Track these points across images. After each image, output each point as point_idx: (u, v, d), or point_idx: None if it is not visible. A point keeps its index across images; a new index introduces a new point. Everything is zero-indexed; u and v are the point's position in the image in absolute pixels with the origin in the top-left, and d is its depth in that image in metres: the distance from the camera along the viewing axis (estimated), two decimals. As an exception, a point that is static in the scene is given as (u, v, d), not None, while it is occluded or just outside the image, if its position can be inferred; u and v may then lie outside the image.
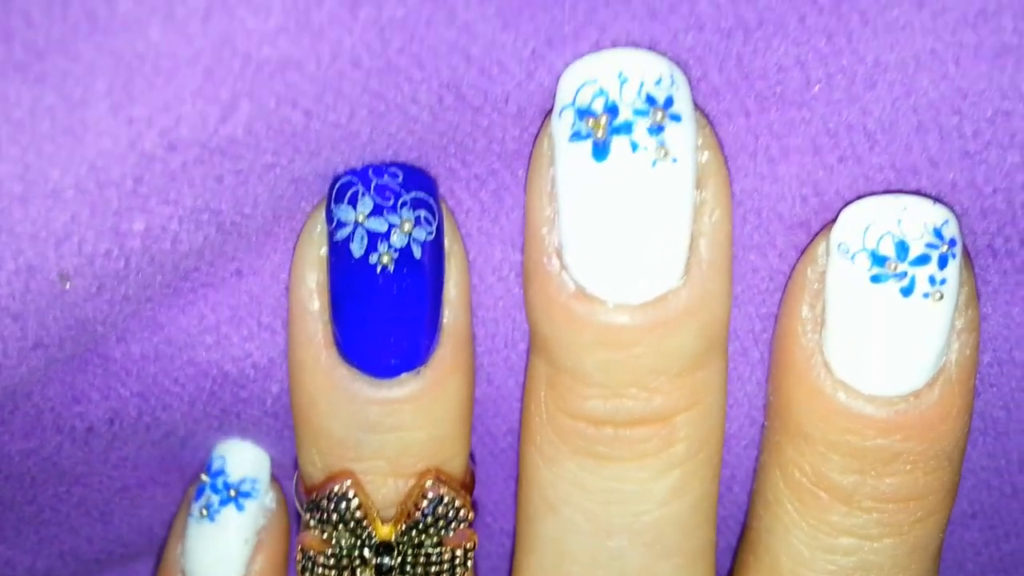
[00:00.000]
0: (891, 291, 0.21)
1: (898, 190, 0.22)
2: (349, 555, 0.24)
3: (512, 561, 0.26)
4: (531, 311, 0.23)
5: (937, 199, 0.22)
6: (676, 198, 0.21)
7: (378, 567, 0.24)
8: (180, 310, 0.24)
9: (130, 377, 0.25)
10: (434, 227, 0.22)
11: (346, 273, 0.22)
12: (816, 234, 0.23)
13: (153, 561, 0.31)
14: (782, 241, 0.24)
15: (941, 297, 0.21)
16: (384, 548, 0.24)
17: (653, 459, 0.23)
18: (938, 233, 0.21)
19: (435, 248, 0.23)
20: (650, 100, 0.20)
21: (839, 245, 0.22)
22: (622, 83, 0.20)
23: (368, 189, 0.22)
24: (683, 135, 0.20)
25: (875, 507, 0.23)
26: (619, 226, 0.21)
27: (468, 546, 0.25)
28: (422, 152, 0.22)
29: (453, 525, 0.24)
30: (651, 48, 0.20)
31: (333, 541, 0.24)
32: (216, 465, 0.28)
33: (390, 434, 0.23)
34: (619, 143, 0.20)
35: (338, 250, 0.22)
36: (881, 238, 0.21)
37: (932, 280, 0.21)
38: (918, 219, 0.21)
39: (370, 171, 0.22)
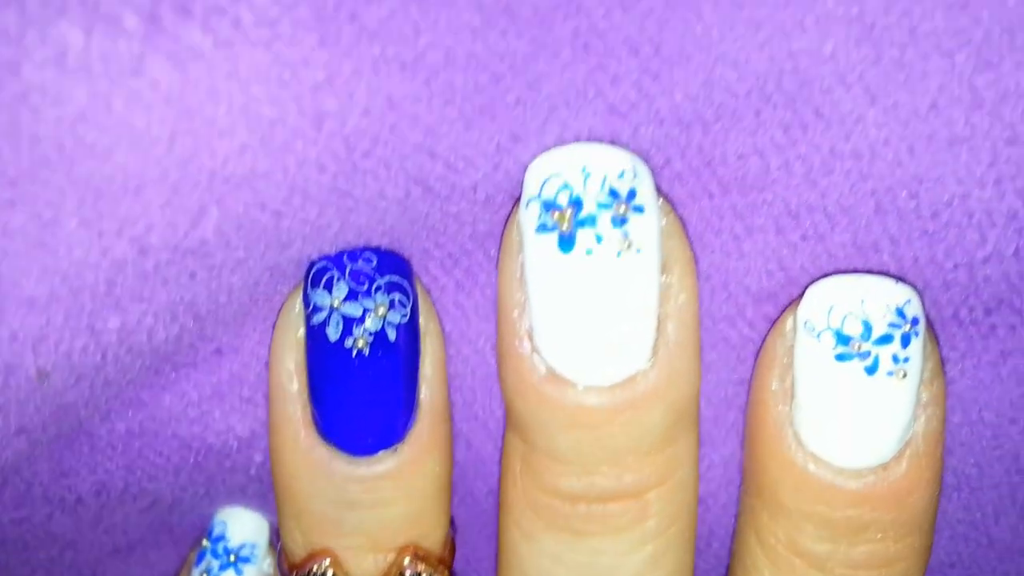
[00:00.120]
0: (856, 370, 0.22)
1: (861, 265, 0.23)
2: (331, 628, 0.25)
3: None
4: (505, 391, 0.23)
5: (899, 277, 0.22)
6: (642, 286, 0.21)
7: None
8: (162, 389, 0.25)
9: (115, 452, 0.26)
10: (408, 309, 0.23)
11: (323, 356, 0.23)
12: (784, 306, 0.24)
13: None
14: (751, 312, 0.24)
15: (905, 375, 0.21)
16: (365, 622, 0.24)
17: (627, 534, 0.23)
18: (901, 312, 0.21)
19: (410, 329, 0.23)
20: (613, 193, 0.20)
21: (805, 323, 0.22)
22: (586, 177, 0.20)
23: (343, 274, 0.22)
24: (647, 225, 0.21)
25: (848, 574, 0.23)
26: (587, 314, 0.21)
27: (448, 618, 0.25)
28: (394, 238, 0.23)
29: (432, 601, 0.24)
30: (613, 141, 0.21)
31: (315, 614, 0.25)
32: (217, 531, 0.28)
33: (369, 511, 0.24)
34: (584, 235, 0.20)
35: (315, 334, 0.23)
36: (845, 317, 0.22)
37: (896, 359, 0.21)
38: (881, 299, 0.21)
39: (345, 256, 0.23)
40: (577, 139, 0.21)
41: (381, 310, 0.23)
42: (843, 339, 0.22)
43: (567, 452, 0.23)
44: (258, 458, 0.27)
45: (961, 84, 0.19)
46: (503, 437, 0.26)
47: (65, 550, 0.29)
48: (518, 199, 0.22)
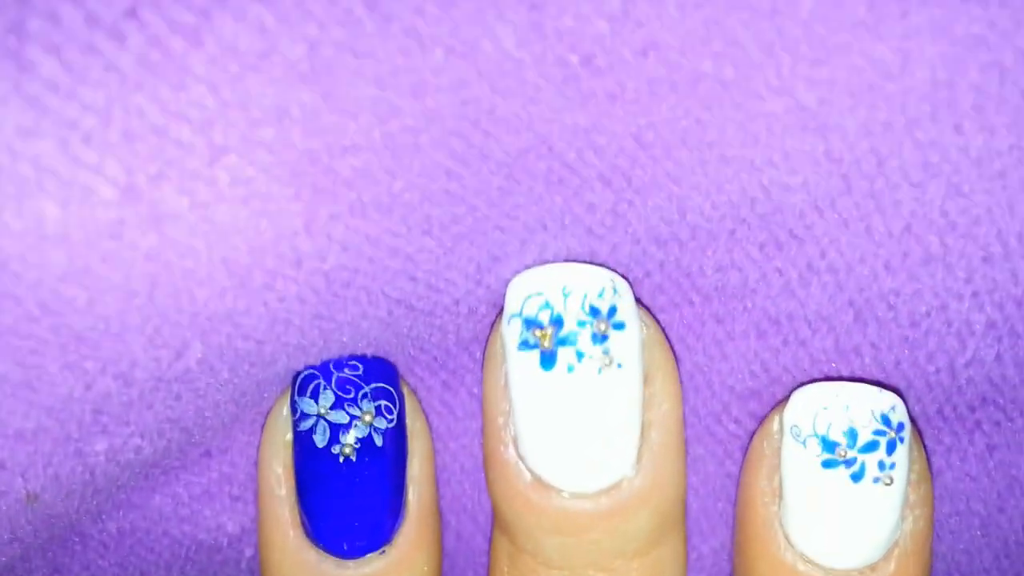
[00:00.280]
0: (842, 476, 0.22)
1: (844, 367, 0.23)
2: None
3: None
4: (491, 494, 0.23)
5: (883, 383, 0.22)
6: (623, 400, 0.21)
7: None
8: (152, 490, 0.25)
9: (108, 550, 0.26)
10: (395, 415, 0.23)
11: (310, 461, 0.23)
12: (769, 403, 0.24)
13: None
14: (736, 409, 0.24)
15: (891, 481, 0.22)
16: None
17: (615, 634, 0.23)
18: (886, 419, 0.21)
19: (397, 432, 0.23)
20: (593, 311, 0.20)
21: (791, 428, 0.22)
22: (566, 296, 0.20)
23: (329, 383, 0.23)
24: (627, 341, 0.21)
25: None
26: (569, 429, 0.21)
27: None
28: (379, 347, 0.23)
29: None
30: (592, 259, 0.21)
31: None
32: None
33: (360, 612, 0.24)
34: (565, 353, 0.21)
35: (302, 439, 0.23)
36: (831, 425, 0.22)
37: (881, 465, 0.21)
38: (866, 406, 0.21)
39: (331, 365, 0.23)
40: (556, 258, 0.21)
41: (368, 417, 0.23)
42: (829, 446, 0.22)
43: (553, 555, 0.23)
44: (248, 552, 0.27)
45: (932, 210, 0.19)
46: (491, 528, 0.26)
47: (62, 636, 0.29)
48: (502, 308, 0.22)
